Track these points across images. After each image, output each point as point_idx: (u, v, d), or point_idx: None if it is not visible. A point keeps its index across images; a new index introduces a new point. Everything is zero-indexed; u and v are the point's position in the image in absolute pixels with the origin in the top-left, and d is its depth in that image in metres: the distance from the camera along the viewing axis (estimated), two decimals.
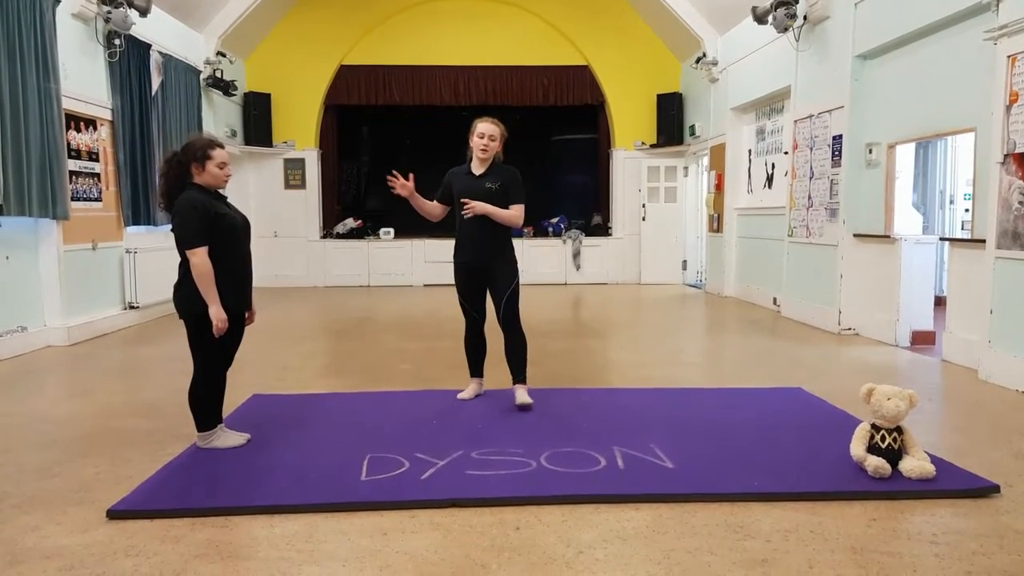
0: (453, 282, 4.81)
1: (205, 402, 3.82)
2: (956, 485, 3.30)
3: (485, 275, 4.69)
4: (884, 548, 2.75)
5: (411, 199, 4.71)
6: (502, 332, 4.74)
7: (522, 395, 4.69)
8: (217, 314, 3.61)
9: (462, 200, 4.57)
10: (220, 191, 3.86)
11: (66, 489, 3.38)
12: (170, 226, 3.77)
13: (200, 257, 3.61)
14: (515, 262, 4.75)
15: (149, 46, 8.80)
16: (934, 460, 3.46)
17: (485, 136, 4.60)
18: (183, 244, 3.65)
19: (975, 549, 2.74)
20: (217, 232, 3.69)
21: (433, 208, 4.81)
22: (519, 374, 4.78)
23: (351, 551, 2.75)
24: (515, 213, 4.66)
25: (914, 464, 3.36)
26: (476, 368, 4.95)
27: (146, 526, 2.96)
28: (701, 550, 2.74)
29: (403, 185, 4.63)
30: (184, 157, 3.74)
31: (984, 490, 3.27)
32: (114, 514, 3.05)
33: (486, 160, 4.65)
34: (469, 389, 4.92)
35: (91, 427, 4.38)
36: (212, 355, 3.76)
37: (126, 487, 3.33)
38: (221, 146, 3.82)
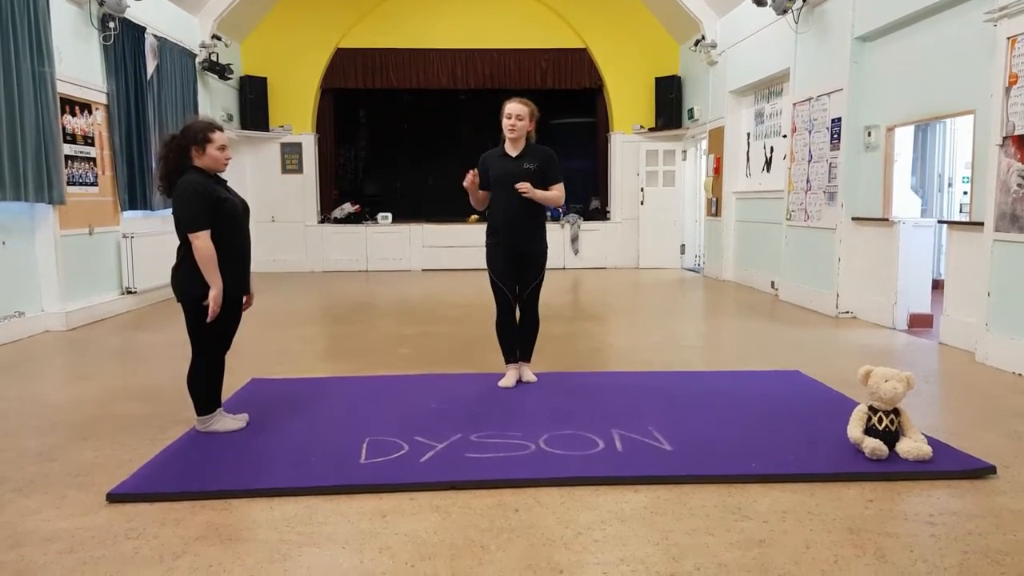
0: (487, 263, 4.72)
1: (204, 386, 3.82)
2: (953, 466, 3.32)
3: (521, 257, 4.66)
4: (881, 529, 2.77)
5: (472, 191, 4.67)
6: (520, 312, 4.76)
7: (527, 373, 4.83)
8: (217, 297, 3.61)
9: (516, 186, 4.50)
10: (220, 175, 3.85)
11: (66, 473, 3.39)
12: (169, 210, 3.75)
13: (204, 240, 3.61)
14: (547, 247, 4.76)
15: (144, 29, 8.74)
16: (931, 442, 3.47)
17: (512, 116, 4.57)
18: (186, 227, 3.63)
19: (971, 529, 2.76)
20: (219, 216, 3.68)
21: (484, 197, 4.76)
22: (527, 354, 4.86)
23: (351, 533, 2.76)
24: (558, 193, 4.67)
25: (911, 446, 3.38)
26: (512, 353, 4.85)
27: (146, 509, 2.97)
28: (699, 531, 2.75)
29: (472, 181, 4.60)
30: (184, 140, 3.73)
31: (980, 471, 3.29)
32: (114, 497, 3.06)
33: (517, 140, 4.62)
34: (510, 376, 4.81)
35: (90, 411, 4.38)
36: (211, 339, 3.76)
37: (126, 471, 3.34)
38: (221, 129, 3.81)
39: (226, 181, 3.90)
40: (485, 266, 4.74)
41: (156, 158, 3.94)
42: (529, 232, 4.63)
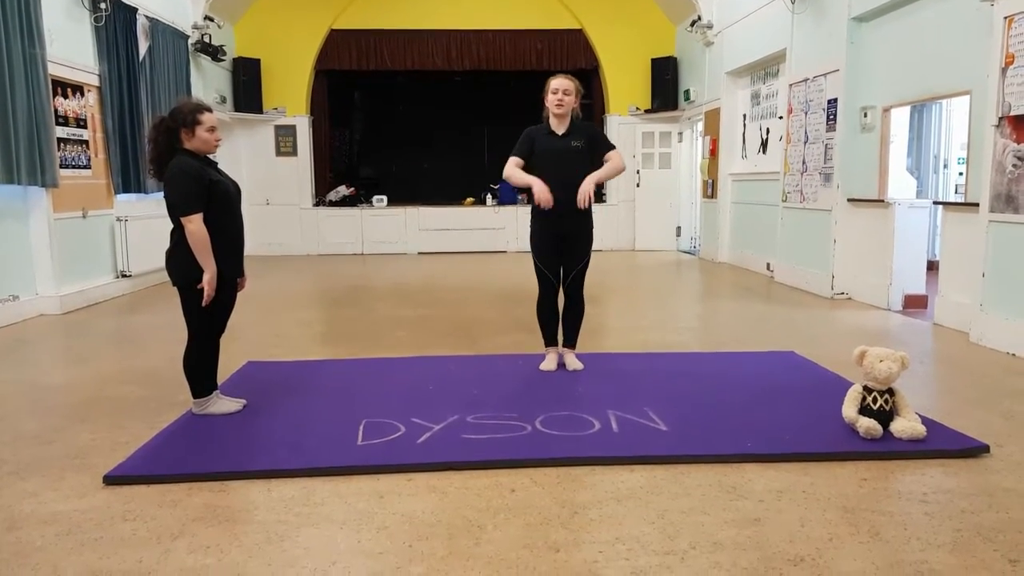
0: (531, 246, 4.62)
1: (200, 368, 3.82)
2: (946, 445, 3.34)
3: (568, 240, 4.53)
4: (875, 507, 2.79)
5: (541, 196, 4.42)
6: (565, 296, 4.67)
7: (572, 360, 4.71)
8: (211, 280, 3.60)
9: (579, 201, 4.34)
10: (210, 157, 3.82)
11: (63, 455, 3.39)
12: (162, 193, 3.73)
13: (196, 224, 3.59)
14: (593, 226, 4.59)
15: (135, 10, 8.65)
16: (925, 421, 3.49)
17: (559, 91, 4.43)
18: (179, 210, 3.61)
19: (964, 508, 2.78)
20: (211, 199, 3.66)
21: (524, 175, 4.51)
22: (571, 339, 4.75)
23: (348, 514, 2.77)
24: (617, 161, 4.49)
25: (905, 425, 3.39)
26: (552, 337, 4.77)
27: (143, 491, 2.98)
28: (695, 510, 2.77)
29: (548, 200, 4.38)
30: (173, 123, 3.69)
31: (974, 450, 3.31)
32: (111, 479, 3.06)
33: (563, 116, 4.49)
34: (550, 359, 4.74)
35: (87, 394, 4.38)
36: (206, 322, 3.76)
37: (122, 453, 3.34)
38: (210, 110, 3.77)
39: (217, 163, 3.87)
40: (528, 249, 4.60)
41: (146, 140, 3.90)
42: (580, 215, 4.46)
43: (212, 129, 3.73)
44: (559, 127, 4.52)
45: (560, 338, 4.79)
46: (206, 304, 3.63)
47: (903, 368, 3.48)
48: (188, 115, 3.68)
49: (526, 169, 4.53)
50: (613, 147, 4.57)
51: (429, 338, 5.94)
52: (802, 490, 2.94)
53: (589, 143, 4.50)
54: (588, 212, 4.50)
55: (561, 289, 4.67)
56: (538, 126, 4.61)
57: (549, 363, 4.73)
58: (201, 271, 3.61)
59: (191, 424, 3.73)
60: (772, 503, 2.83)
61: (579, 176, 4.39)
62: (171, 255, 3.73)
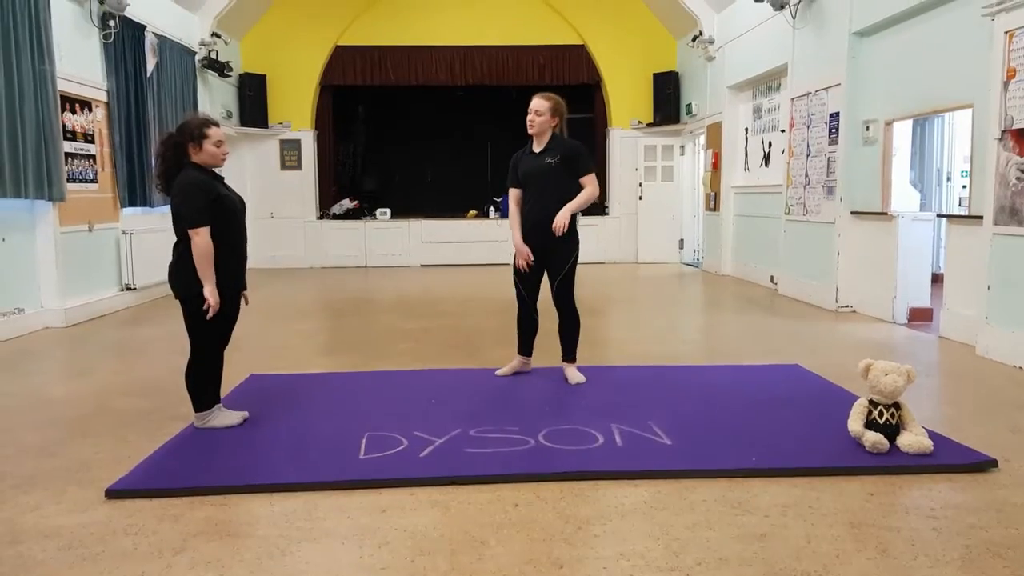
0: (510, 262, 4.76)
1: (202, 382, 3.81)
2: (954, 460, 3.31)
3: (546, 253, 4.61)
4: (882, 523, 2.76)
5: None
6: (556, 310, 4.73)
7: (573, 374, 4.74)
8: (212, 293, 3.60)
9: (554, 228, 4.43)
10: (217, 171, 3.84)
11: (65, 469, 3.38)
12: (168, 207, 3.74)
13: (203, 237, 3.60)
14: (577, 239, 4.66)
15: (144, 27, 8.72)
16: (932, 435, 3.47)
17: (531, 111, 4.56)
18: (187, 223, 3.62)
19: (973, 523, 2.75)
20: (218, 213, 3.68)
21: (517, 210, 4.70)
22: (569, 353, 4.80)
23: (350, 528, 2.76)
24: (589, 190, 4.56)
25: (912, 439, 3.37)
26: (524, 346, 4.87)
27: (145, 505, 2.97)
28: (699, 525, 2.75)
29: (527, 256, 4.59)
30: (180, 137, 3.72)
31: (982, 464, 3.28)
32: (113, 493, 3.05)
33: (538, 135, 4.60)
34: (508, 365, 4.88)
35: (89, 407, 4.38)
36: (209, 334, 3.76)
37: (125, 466, 3.33)
38: (217, 124, 3.80)
39: (223, 178, 3.89)
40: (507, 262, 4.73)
41: (154, 156, 3.92)
42: (552, 231, 4.51)
43: (219, 143, 3.75)
44: (536, 145, 4.64)
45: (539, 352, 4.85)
46: (211, 317, 3.63)
47: (909, 381, 3.45)
48: (196, 129, 3.70)
49: None
50: (589, 171, 4.62)
51: (431, 350, 5.93)
52: (808, 505, 2.92)
53: (564, 159, 4.55)
54: (567, 231, 4.55)
55: (553, 303, 4.73)
56: (523, 148, 4.75)
57: (506, 369, 4.89)
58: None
59: (193, 437, 3.72)
60: (778, 518, 2.80)
61: (554, 191, 4.50)
62: (174, 268, 3.73)
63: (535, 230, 4.55)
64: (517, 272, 4.70)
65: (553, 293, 4.68)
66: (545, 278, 4.71)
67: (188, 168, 3.70)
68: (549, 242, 4.55)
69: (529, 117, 4.57)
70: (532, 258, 4.56)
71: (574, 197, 4.53)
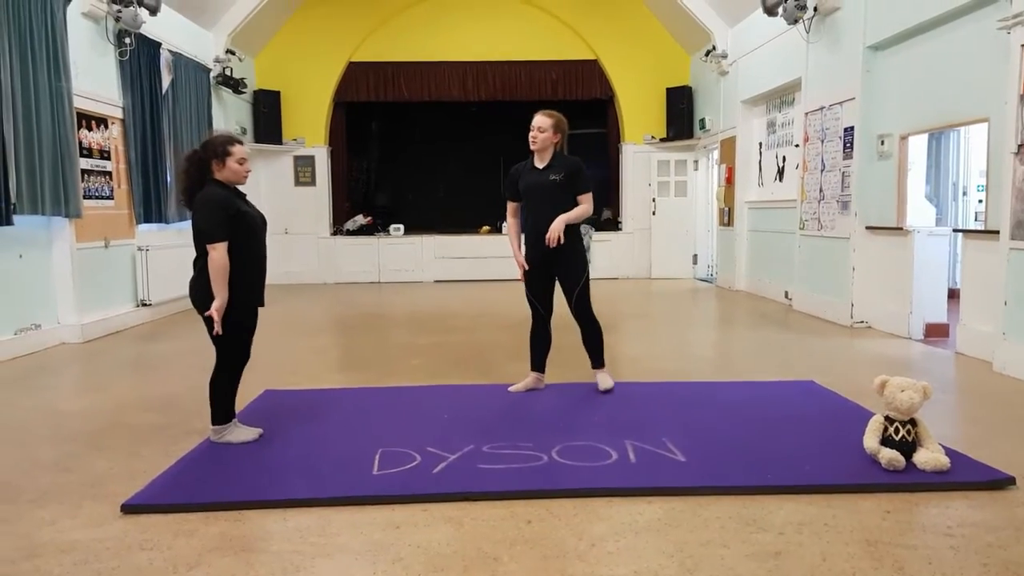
0: (519, 277, 4.81)
1: (225, 393, 3.86)
2: (971, 477, 3.28)
3: (555, 269, 4.70)
4: (899, 541, 2.74)
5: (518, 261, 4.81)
6: (576, 322, 4.81)
7: (604, 379, 4.83)
8: (219, 309, 3.63)
9: (547, 239, 4.52)
10: (239, 188, 3.89)
11: (81, 484, 3.40)
12: (188, 222, 3.80)
13: (220, 252, 3.64)
14: (583, 253, 4.77)
15: (159, 44, 8.83)
16: (948, 452, 3.43)
17: (534, 128, 4.64)
18: (204, 237, 3.67)
19: (991, 541, 2.72)
20: (238, 229, 3.72)
21: (516, 223, 4.85)
22: (597, 360, 4.87)
23: (364, 544, 2.76)
24: (585, 207, 4.66)
25: (928, 456, 3.34)
26: (537, 363, 4.91)
27: (160, 520, 2.98)
28: (714, 543, 2.73)
29: (521, 265, 4.76)
30: (204, 154, 3.78)
31: (999, 482, 3.25)
32: (128, 508, 3.07)
33: (541, 151, 4.68)
34: (523, 382, 4.90)
35: (105, 422, 4.40)
36: (234, 348, 3.81)
37: (140, 481, 3.35)
38: (240, 142, 3.86)
39: (245, 195, 3.95)
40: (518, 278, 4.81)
41: (178, 172, 3.99)
42: (560, 243, 4.57)
43: (242, 161, 3.81)
44: (539, 161, 4.71)
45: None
46: (216, 333, 3.66)
47: (925, 398, 3.43)
48: (219, 146, 3.76)
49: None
50: (587, 190, 4.69)
51: (444, 366, 5.93)
52: (824, 523, 2.89)
53: (567, 176, 4.63)
54: (569, 239, 4.61)
55: (573, 317, 4.79)
56: (524, 162, 4.81)
57: (520, 385, 4.89)
58: (231, 295, 3.66)
59: (208, 453, 3.74)
60: (793, 536, 2.78)
61: (556, 207, 4.57)
62: (195, 283, 3.77)
63: (539, 242, 4.60)
64: (529, 287, 4.76)
65: (571, 309, 4.76)
66: (561, 296, 4.75)
67: (211, 184, 3.76)
68: (554, 255, 4.63)
69: (532, 134, 4.65)
70: (527, 267, 4.69)
71: (580, 216, 4.65)
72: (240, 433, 3.90)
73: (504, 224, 13.30)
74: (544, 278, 4.74)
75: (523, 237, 4.80)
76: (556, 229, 4.51)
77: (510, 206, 4.86)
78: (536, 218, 4.64)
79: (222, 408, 3.87)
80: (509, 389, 4.87)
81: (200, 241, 3.71)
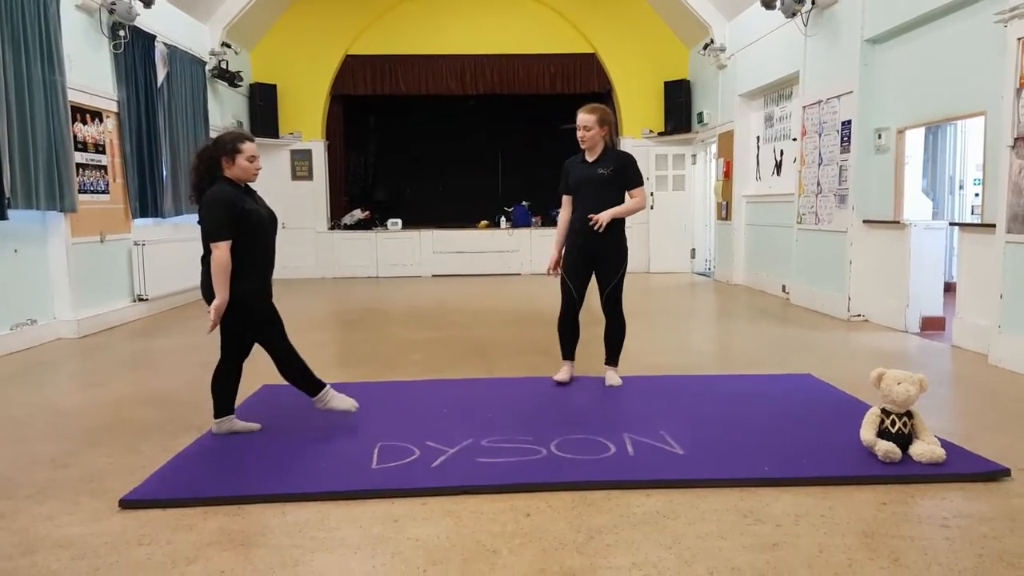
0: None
1: (228, 386, 3.89)
2: (967, 469, 3.29)
3: (596, 260, 4.75)
4: (895, 532, 2.75)
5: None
6: (604, 315, 4.85)
7: (612, 377, 4.87)
8: (217, 308, 3.64)
9: (589, 216, 4.58)
10: (249, 184, 3.89)
11: (78, 479, 3.40)
12: (184, 217, 3.80)
13: (222, 251, 3.65)
14: (625, 250, 4.80)
15: (154, 37, 8.80)
16: (944, 444, 3.44)
17: (580, 127, 4.68)
18: (208, 236, 3.69)
19: (986, 532, 2.73)
20: (244, 227, 3.73)
21: (566, 216, 4.88)
22: (612, 357, 4.92)
23: (363, 538, 2.76)
24: (637, 201, 4.73)
25: (924, 448, 3.35)
26: (569, 351, 4.95)
27: (158, 515, 2.98)
28: (712, 535, 2.74)
29: (552, 264, 4.92)
30: (214, 151, 3.79)
31: (995, 474, 3.26)
32: (126, 503, 3.07)
33: (591, 148, 4.72)
34: (564, 371, 4.92)
35: (102, 418, 4.40)
36: (240, 343, 3.87)
37: (138, 477, 3.35)
38: (251, 140, 3.88)
39: (255, 192, 3.95)
40: (543, 272, 4.93)
41: (188, 169, 4.01)
42: (605, 236, 4.64)
43: (252, 158, 3.83)
44: (589, 156, 4.75)
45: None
46: (210, 331, 3.67)
47: (921, 390, 3.44)
48: (229, 143, 3.77)
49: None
50: (639, 184, 4.75)
51: (443, 361, 5.93)
52: (820, 515, 2.90)
53: (617, 170, 4.68)
54: (615, 234, 4.69)
55: (602, 308, 4.85)
56: (575, 156, 4.87)
57: (562, 375, 4.89)
58: (237, 292, 3.68)
59: (207, 448, 3.74)
60: (790, 528, 2.79)
61: (604, 201, 4.63)
62: (206, 279, 3.77)
63: (587, 235, 4.65)
64: (566, 271, 4.81)
65: (602, 301, 4.81)
66: (594, 285, 4.81)
67: (220, 182, 3.77)
68: (598, 247, 4.68)
69: (579, 133, 4.69)
70: (555, 268, 4.85)
71: (632, 210, 4.73)
72: (238, 427, 3.93)
73: (501, 218, 13.37)
74: (583, 265, 4.78)
75: (569, 229, 4.83)
76: (605, 214, 4.56)
77: (564, 200, 4.89)
78: (583, 211, 4.68)
79: (225, 400, 3.91)
80: (554, 378, 4.89)
81: (205, 239, 3.72)
